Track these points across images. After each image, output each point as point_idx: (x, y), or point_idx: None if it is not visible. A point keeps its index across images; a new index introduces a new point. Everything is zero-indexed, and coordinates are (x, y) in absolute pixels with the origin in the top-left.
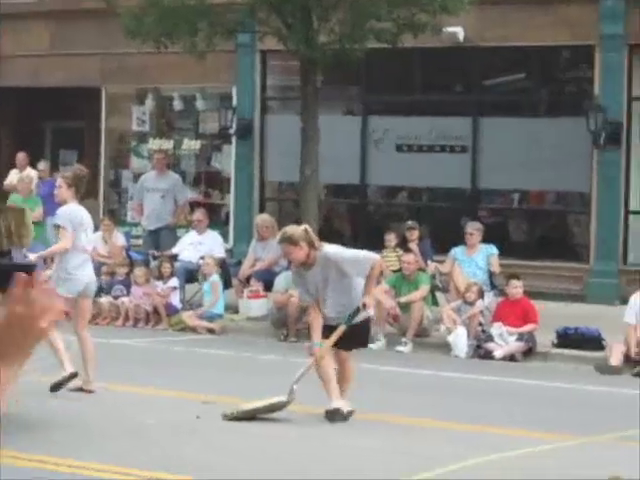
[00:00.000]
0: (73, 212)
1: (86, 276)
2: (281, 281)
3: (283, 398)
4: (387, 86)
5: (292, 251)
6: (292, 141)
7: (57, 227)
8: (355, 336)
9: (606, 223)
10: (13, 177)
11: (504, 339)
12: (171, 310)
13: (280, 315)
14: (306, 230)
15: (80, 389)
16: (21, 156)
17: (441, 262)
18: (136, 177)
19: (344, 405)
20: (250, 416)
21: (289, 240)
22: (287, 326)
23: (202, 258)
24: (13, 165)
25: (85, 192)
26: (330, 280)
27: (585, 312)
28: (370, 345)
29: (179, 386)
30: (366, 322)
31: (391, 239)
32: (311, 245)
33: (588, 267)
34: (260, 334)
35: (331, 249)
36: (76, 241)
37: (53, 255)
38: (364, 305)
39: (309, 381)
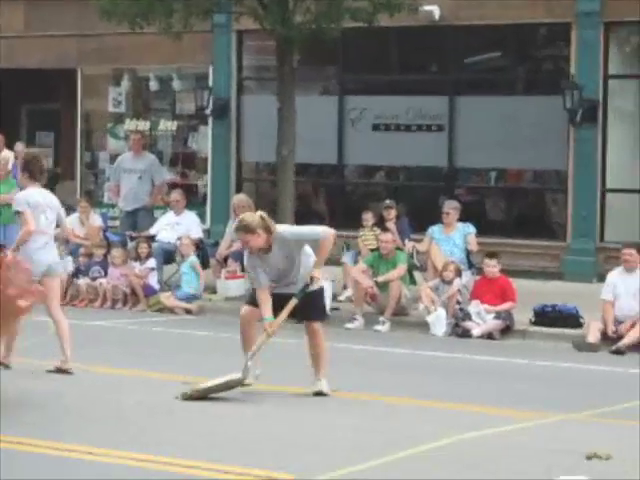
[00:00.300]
0: (28, 195)
1: (48, 258)
2: None
3: (238, 375)
4: (364, 65)
5: (250, 239)
6: (269, 121)
7: (17, 213)
8: (310, 306)
9: (583, 201)
10: None
11: (482, 317)
12: (149, 291)
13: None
14: (262, 217)
15: (58, 369)
16: None
17: (419, 241)
18: (113, 158)
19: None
20: (205, 395)
21: (246, 229)
22: None
23: (179, 239)
24: None
25: (61, 173)
26: (295, 256)
27: (562, 290)
28: (348, 324)
29: (157, 367)
30: (320, 292)
31: (368, 218)
32: (268, 231)
33: (565, 245)
34: (238, 314)
35: (285, 229)
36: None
37: (23, 242)
38: (312, 278)
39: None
